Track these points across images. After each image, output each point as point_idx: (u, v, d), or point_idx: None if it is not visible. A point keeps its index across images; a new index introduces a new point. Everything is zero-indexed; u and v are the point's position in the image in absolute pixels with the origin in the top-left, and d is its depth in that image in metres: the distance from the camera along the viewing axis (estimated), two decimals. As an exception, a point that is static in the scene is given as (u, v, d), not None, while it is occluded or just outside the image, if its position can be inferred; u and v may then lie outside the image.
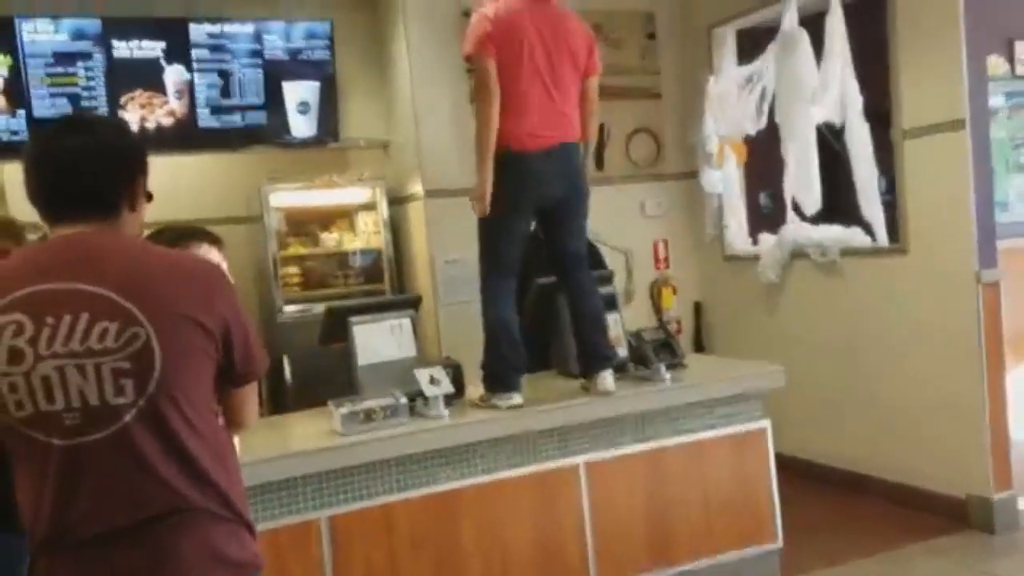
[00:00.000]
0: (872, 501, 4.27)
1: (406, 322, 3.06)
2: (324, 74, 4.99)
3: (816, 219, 4.66)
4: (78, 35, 4.48)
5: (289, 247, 5.04)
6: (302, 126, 4.99)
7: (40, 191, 1.50)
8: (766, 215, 5.42)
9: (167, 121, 4.68)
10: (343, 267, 5.17)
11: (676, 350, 3.31)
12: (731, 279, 5.24)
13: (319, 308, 3.94)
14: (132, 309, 1.41)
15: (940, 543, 3.76)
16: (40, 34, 4.41)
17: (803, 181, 4.54)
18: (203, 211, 4.94)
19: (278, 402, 4.70)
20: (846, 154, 4.30)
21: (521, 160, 2.93)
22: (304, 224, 5.16)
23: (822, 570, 3.54)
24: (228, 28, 4.78)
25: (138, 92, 4.61)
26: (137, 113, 4.60)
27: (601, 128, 5.08)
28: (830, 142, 4.51)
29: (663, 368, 3.20)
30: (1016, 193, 4.34)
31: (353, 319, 2.98)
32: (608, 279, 3.56)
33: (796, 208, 4.68)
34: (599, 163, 5.14)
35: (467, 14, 3.08)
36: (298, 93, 4.95)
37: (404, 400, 2.81)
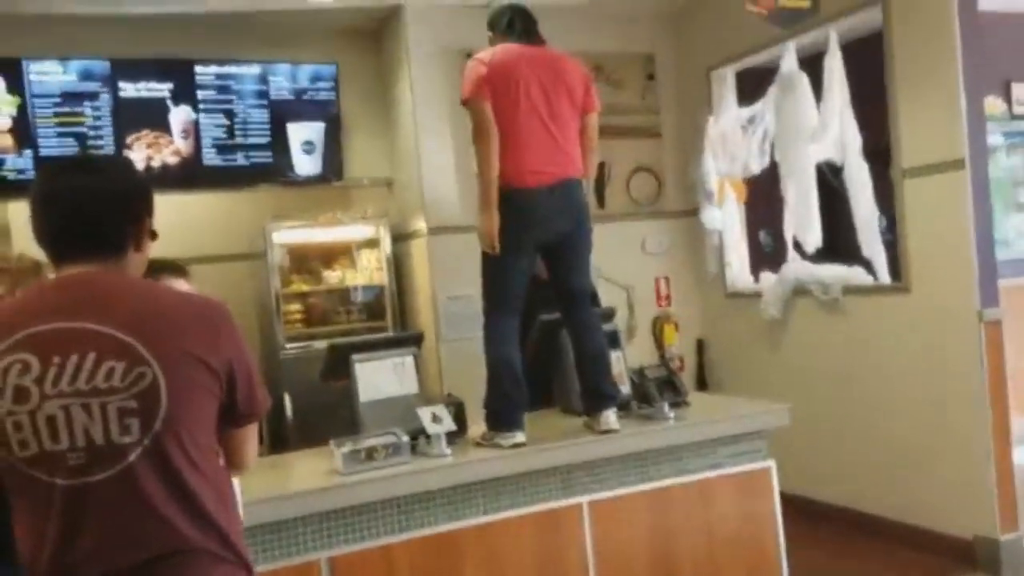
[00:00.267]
0: (877, 541, 4.23)
1: (408, 359, 3.06)
2: (329, 114, 5.05)
3: (817, 257, 4.67)
4: (86, 76, 4.54)
5: (292, 284, 5.06)
6: (306, 165, 5.04)
7: (47, 230, 1.51)
8: (767, 253, 5.44)
9: (173, 160, 4.73)
10: (345, 303, 5.18)
11: (679, 388, 3.30)
12: (733, 316, 5.24)
13: (321, 345, 3.94)
14: (139, 348, 1.41)
15: (947, 585, 3.72)
16: (48, 75, 4.48)
17: (803, 219, 4.57)
18: (207, 248, 4.98)
19: (279, 439, 4.68)
20: (846, 193, 4.33)
21: (523, 197, 2.95)
22: (307, 261, 5.18)
23: (828, 612, 3.49)
24: (234, 69, 4.85)
25: (144, 132, 4.67)
26: (143, 153, 4.65)
27: (602, 166, 5.13)
28: (830, 181, 4.55)
29: (666, 406, 3.18)
30: (1016, 231, 4.36)
31: (355, 356, 2.98)
32: (610, 316, 3.56)
33: (797, 246, 4.70)
34: (601, 201, 5.17)
35: (469, 55, 3.13)
36: (303, 133, 5.01)
37: (406, 438, 2.80)
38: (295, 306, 5.07)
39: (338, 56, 5.14)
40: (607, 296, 4.80)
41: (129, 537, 1.41)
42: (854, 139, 4.26)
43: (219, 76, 4.82)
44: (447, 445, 2.86)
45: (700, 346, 5.49)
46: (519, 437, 2.93)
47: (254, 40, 4.97)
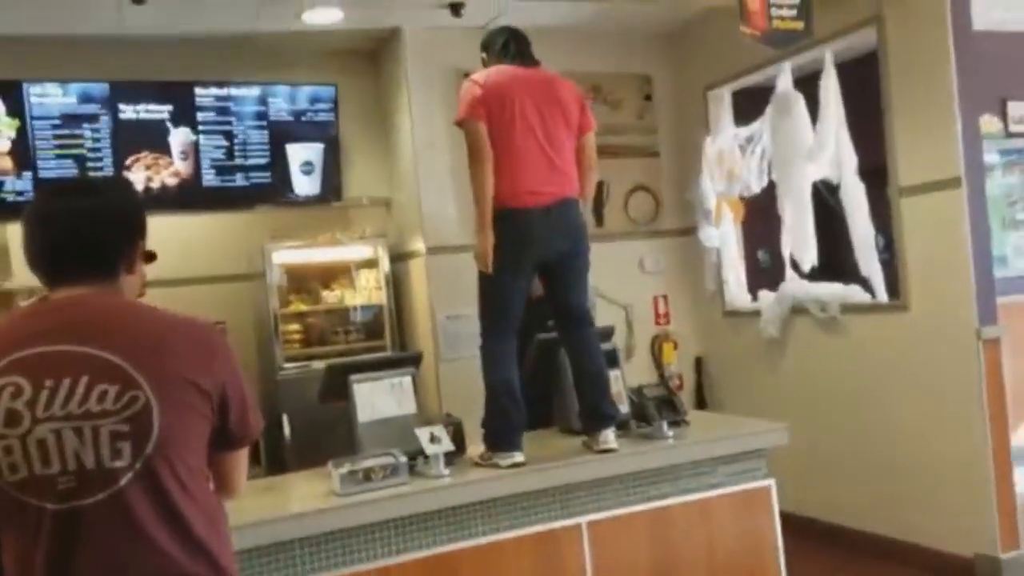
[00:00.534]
0: (878, 560, 4.21)
1: (407, 379, 3.05)
2: (328, 135, 5.08)
3: (815, 276, 4.68)
4: (85, 98, 4.57)
5: (290, 304, 5.06)
6: (305, 185, 5.05)
7: (39, 252, 1.51)
8: (765, 271, 5.45)
9: (172, 182, 4.74)
10: (344, 323, 5.18)
11: (678, 407, 3.29)
12: (732, 334, 5.24)
13: (319, 365, 3.93)
14: (132, 371, 1.40)
15: (949, 604, 3.69)
16: (48, 97, 4.50)
17: (800, 238, 4.58)
18: (206, 269, 4.99)
19: (277, 460, 4.66)
20: (843, 212, 4.35)
21: (521, 218, 2.96)
22: (306, 281, 5.18)
23: (830, 633, 3.47)
24: (234, 91, 4.88)
25: (144, 153, 4.69)
26: (142, 174, 4.67)
27: (601, 185, 5.14)
28: (827, 200, 4.56)
29: (665, 425, 3.17)
30: (1014, 248, 4.37)
31: (353, 376, 2.97)
32: (608, 335, 3.56)
33: (795, 265, 4.71)
34: (599, 220, 5.19)
35: (467, 76, 3.15)
36: (302, 154, 5.03)
37: (404, 459, 2.79)
38: (294, 326, 5.06)
39: (337, 78, 5.17)
40: (606, 315, 4.80)
41: (119, 562, 1.39)
42: (850, 158, 4.28)
43: (218, 98, 4.84)
44: (445, 466, 2.85)
45: (699, 364, 5.48)
46: (518, 457, 2.92)
47: (253, 62, 5.01)
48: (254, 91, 4.92)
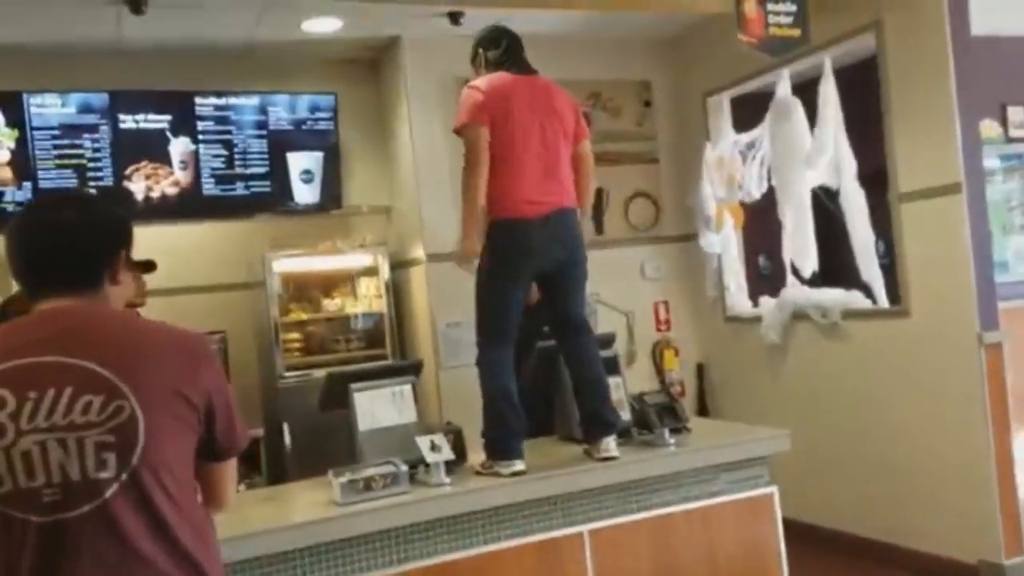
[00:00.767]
0: (881, 567, 4.19)
1: (407, 388, 3.04)
2: (327, 144, 5.08)
3: (816, 282, 4.68)
4: (85, 108, 4.57)
5: (291, 313, 5.06)
6: (305, 194, 5.05)
7: (25, 262, 1.50)
8: (765, 277, 5.44)
9: (172, 191, 4.74)
10: (344, 332, 5.18)
11: (680, 414, 3.28)
12: (733, 340, 5.23)
13: (320, 374, 3.93)
14: (117, 382, 1.39)
15: (954, 611, 3.67)
16: (48, 108, 4.50)
17: (800, 244, 4.58)
18: (206, 278, 4.99)
19: (278, 469, 4.65)
20: (843, 217, 4.34)
21: (519, 228, 2.95)
22: (306, 289, 5.18)
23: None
24: (233, 101, 4.88)
25: (144, 163, 4.69)
26: (142, 184, 4.67)
27: (600, 192, 5.15)
28: (827, 206, 4.56)
29: (667, 432, 3.16)
30: (1015, 253, 4.36)
31: (353, 385, 2.97)
32: (609, 342, 3.55)
33: (796, 271, 4.70)
34: (599, 227, 5.18)
35: (468, 83, 3.14)
36: (302, 162, 5.03)
37: (404, 468, 2.78)
38: (294, 335, 5.06)
39: (337, 86, 5.17)
40: (606, 321, 4.80)
41: (106, 574, 1.38)
42: (849, 164, 4.28)
43: (218, 107, 4.85)
44: (446, 474, 2.84)
45: (700, 371, 5.47)
46: (519, 465, 2.91)
47: (253, 71, 5.02)
48: (254, 100, 4.93)
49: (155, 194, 4.70)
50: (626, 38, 5.30)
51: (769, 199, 4.78)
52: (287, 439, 4.63)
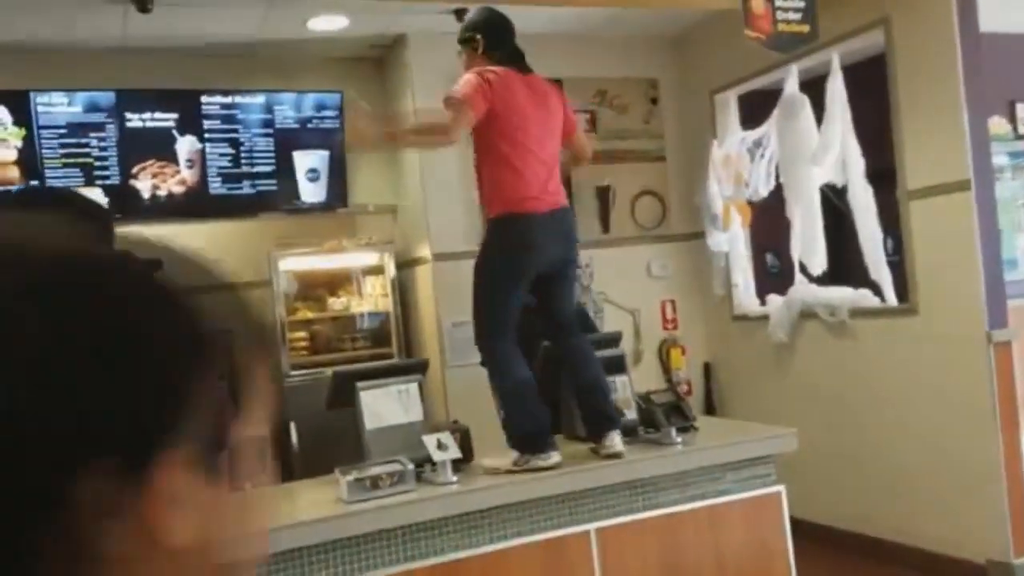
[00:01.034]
0: (889, 566, 4.17)
1: (413, 387, 3.04)
2: (334, 142, 5.08)
3: (824, 280, 4.66)
4: (92, 107, 4.58)
5: (297, 312, 5.06)
6: (311, 193, 5.05)
7: None
8: (773, 276, 5.42)
9: (178, 190, 4.75)
10: (350, 331, 5.18)
11: (687, 413, 3.27)
12: (740, 339, 5.21)
13: (326, 372, 3.93)
14: None
15: (963, 611, 3.65)
16: (54, 106, 4.51)
17: (808, 242, 4.56)
18: (213, 277, 4.98)
19: (284, 468, 4.65)
20: (851, 215, 4.33)
21: (523, 222, 2.93)
22: (312, 288, 5.18)
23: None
24: (240, 99, 4.88)
25: (150, 162, 4.69)
26: (149, 182, 4.67)
27: (607, 190, 5.14)
28: (835, 203, 4.54)
29: (674, 431, 3.15)
30: (1024, 252, 4.34)
31: (360, 384, 2.97)
32: (616, 340, 3.54)
33: (804, 269, 4.68)
34: (605, 225, 5.17)
35: (475, 72, 3.09)
36: (308, 161, 5.03)
37: (411, 466, 2.78)
38: (300, 333, 5.06)
39: (343, 84, 5.17)
40: (613, 320, 4.78)
41: None
42: (857, 161, 4.26)
43: (224, 106, 4.85)
44: (453, 473, 2.83)
45: (707, 370, 5.45)
46: (555, 457, 2.88)
47: (259, 70, 5.01)
48: (260, 99, 4.93)
49: (162, 193, 4.71)
50: (633, 36, 5.29)
51: (777, 197, 4.76)
52: (293, 438, 4.64)
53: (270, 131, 4.94)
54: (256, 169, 4.92)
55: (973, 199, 3.78)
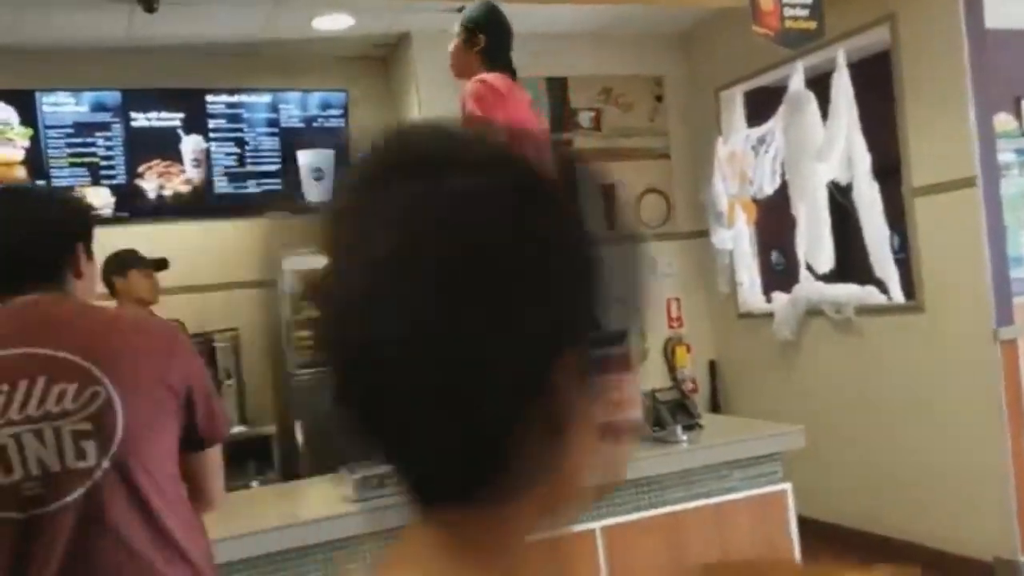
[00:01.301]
0: (896, 564, 4.16)
1: (419, 385, 3.04)
2: (338, 142, 5.08)
3: (830, 277, 4.65)
4: (98, 107, 4.59)
5: (303, 310, 5.06)
6: (316, 192, 5.06)
7: None
8: (779, 273, 5.42)
9: (184, 189, 4.75)
10: (356, 330, 5.17)
11: (692, 411, 3.27)
12: (746, 337, 5.21)
13: (332, 372, 3.92)
14: (91, 368, 1.36)
15: (970, 608, 3.65)
16: (61, 106, 4.52)
17: (814, 239, 4.55)
18: (218, 276, 5.00)
19: (291, 466, 4.66)
20: (856, 212, 4.32)
21: None
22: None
23: (848, 638, 3.43)
24: (245, 98, 4.89)
25: (156, 161, 4.70)
26: (155, 182, 4.68)
27: (611, 188, 5.13)
28: (839, 200, 4.53)
29: (679, 429, 3.15)
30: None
31: (366, 382, 2.97)
32: (620, 339, 3.54)
33: (809, 266, 4.68)
34: (609, 224, 5.16)
35: (482, 82, 3.09)
36: (312, 160, 5.03)
37: (418, 465, 2.78)
38: (306, 332, 5.06)
39: (347, 83, 5.17)
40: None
41: (92, 568, 1.35)
42: (862, 158, 4.25)
43: (230, 105, 4.86)
44: (459, 471, 2.83)
45: (713, 368, 5.45)
46: None
47: (264, 69, 5.02)
48: (265, 98, 4.93)
49: (167, 192, 4.71)
50: (638, 33, 5.28)
51: (782, 194, 4.75)
52: (300, 436, 4.64)
53: (275, 130, 4.95)
54: (261, 168, 4.93)
55: (979, 196, 3.77)
